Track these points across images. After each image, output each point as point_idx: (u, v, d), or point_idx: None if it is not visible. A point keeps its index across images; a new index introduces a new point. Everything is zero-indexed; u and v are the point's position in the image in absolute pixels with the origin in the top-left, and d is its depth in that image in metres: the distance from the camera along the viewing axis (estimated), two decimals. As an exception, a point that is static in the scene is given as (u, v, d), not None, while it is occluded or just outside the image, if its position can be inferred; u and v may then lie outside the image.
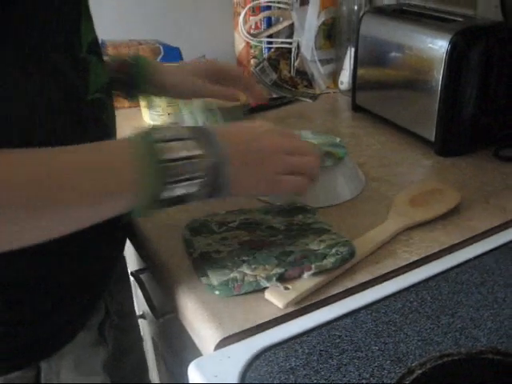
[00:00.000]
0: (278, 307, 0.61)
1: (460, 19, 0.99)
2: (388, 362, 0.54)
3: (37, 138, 0.58)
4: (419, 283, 0.65)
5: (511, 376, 0.51)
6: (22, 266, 0.62)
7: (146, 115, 1.19)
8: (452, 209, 0.79)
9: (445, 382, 0.53)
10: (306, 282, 0.62)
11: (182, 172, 0.55)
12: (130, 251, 0.94)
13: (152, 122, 1.18)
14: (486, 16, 1.04)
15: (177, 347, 0.94)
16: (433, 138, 0.98)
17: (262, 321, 0.60)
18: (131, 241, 0.84)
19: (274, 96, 1.30)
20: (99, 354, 0.76)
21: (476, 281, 0.65)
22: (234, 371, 0.54)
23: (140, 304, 1.12)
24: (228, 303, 0.62)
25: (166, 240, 0.75)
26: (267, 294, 0.62)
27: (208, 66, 0.92)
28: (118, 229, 0.77)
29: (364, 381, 0.52)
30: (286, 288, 0.62)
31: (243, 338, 0.58)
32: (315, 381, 0.52)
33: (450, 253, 0.70)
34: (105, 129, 0.69)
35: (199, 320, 0.62)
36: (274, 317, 0.60)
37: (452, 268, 0.67)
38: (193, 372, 0.55)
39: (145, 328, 1.15)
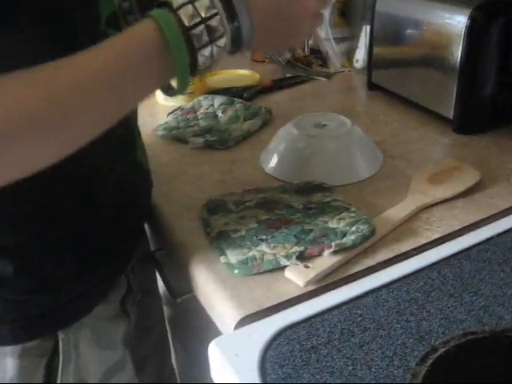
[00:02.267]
0: (298, 285, 0.60)
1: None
2: (411, 340, 0.53)
3: None
4: (441, 261, 0.64)
5: (537, 354, 0.50)
6: (45, 232, 0.63)
7: (159, 96, 1.18)
8: (472, 186, 0.77)
9: (469, 360, 0.52)
10: (327, 259, 0.62)
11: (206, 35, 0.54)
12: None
13: (165, 103, 1.17)
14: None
15: (194, 328, 0.94)
16: (451, 116, 0.96)
17: (282, 299, 0.59)
18: (148, 221, 0.84)
19: (288, 75, 1.29)
20: (119, 328, 0.76)
21: (498, 258, 0.64)
22: (254, 350, 0.53)
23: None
24: (248, 282, 0.62)
25: (184, 220, 0.75)
26: (287, 273, 0.61)
27: None
28: (142, 203, 0.77)
29: (387, 359, 0.51)
30: (306, 266, 0.61)
31: (263, 317, 0.57)
32: (337, 359, 0.52)
33: (471, 230, 0.69)
34: None
35: (219, 299, 0.61)
36: (294, 295, 0.59)
37: (474, 246, 0.66)
38: (213, 351, 0.54)
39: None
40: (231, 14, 0.55)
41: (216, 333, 0.61)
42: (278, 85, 1.23)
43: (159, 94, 1.17)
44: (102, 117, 0.53)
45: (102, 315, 0.72)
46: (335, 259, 0.62)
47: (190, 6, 0.54)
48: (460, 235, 0.69)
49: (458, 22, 0.91)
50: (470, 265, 0.63)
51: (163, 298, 1.06)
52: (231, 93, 1.16)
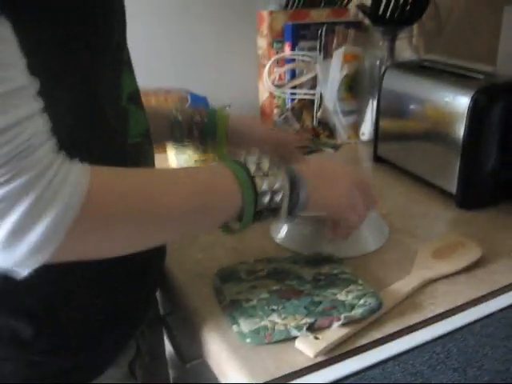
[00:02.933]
0: (307, 356, 0.63)
1: (480, 76, 1.03)
2: (417, 413, 0.55)
3: None
4: (445, 335, 0.66)
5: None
6: (67, 297, 0.65)
7: (173, 161, 1.22)
8: (475, 262, 0.80)
9: None
10: (336, 331, 0.64)
11: (269, 185, 0.66)
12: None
13: (177, 163, 1.21)
14: (506, 73, 1.07)
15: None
16: (454, 191, 1.00)
17: (293, 369, 0.61)
18: (161, 286, 0.86)
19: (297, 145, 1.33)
20: None
21: (501, 334, 0.66)
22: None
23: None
24: (259, 351, 0.64)
25: (197, 287, 0.78)
26: (298, 343, 0.64)
27: (278, 140, 0.99)
28: (156, 270, 0.80)
29: (394, 432, 0.53)
30: (316, 338, 0.63)
31: (274, 388, 0.59)
32: (346, 431, 0.54)
33: (474, 305, 0.72)
34: None
35: (231, 367, 0.64)
36: (303, 366, 0.62)
37: (477, 321, 0.69)
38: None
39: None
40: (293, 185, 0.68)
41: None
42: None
43: (171, 155, 1.21)
44: (173, 232, 0.65)
45: (111, 378, 0.73)
46: (344, 331, 0.64)
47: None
48: (463, 310, 0.71)
49: (461, 102, 0.96)
50: (473, 340, 0.66)
51: (169, 361, 1.07)
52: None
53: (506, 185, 1.00)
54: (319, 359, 0.62)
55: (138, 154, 0.72)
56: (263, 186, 0.65)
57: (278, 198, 0.66)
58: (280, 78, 1.41)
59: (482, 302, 0.73)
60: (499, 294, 0.74)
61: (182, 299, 0.78)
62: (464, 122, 0.96)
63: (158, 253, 0.82)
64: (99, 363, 0.71)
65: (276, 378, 0.60)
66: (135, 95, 0.73)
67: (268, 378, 0.60)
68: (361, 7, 1.27)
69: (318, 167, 0.77)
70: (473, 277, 0.78)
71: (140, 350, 0.80)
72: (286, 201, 0.67)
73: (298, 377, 0.61)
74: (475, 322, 0.69)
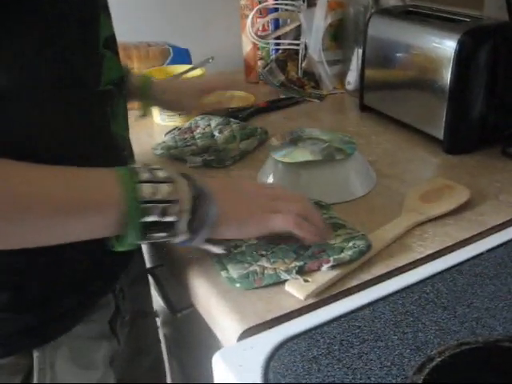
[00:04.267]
0: (298, 299, 0.63)
1: (467, 19, 1.01)
2: (408, 350, 0.55)
3: (42, 124, 0.60)
4: (434, 275, 0.66)
5: (528, 362, 0.53)
6: (31, 252, 0.61)
7: (157, 116, 1.20)
8: (462, 204, 0.80)
9: (463, 369, 0.54)
10: (325, 274, 0.64)
11: (161, 193, 0.58)
12: (144, 248, 0.95)
13: (162, 123, 1.20)
14: (492, 16, 1.06)
15: (192, 344, 0.95)
16: (441, 137, 0.99)
17: (283, 312, 0.61)
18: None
19: (283, 96, 1.32)
20: (103, 348, 0.76)
21: (489, 273, 0.66)
22: (257, 361, 0.55)
23: (153, 302, 1.14)
24: (249, 296, 0.64)
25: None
26: (288, 287, 0.64)
27: (203, 86, 1.00)
28: None
29: (385, 369, 0.53)
30: (306, 280, 0.63)
31: (265, 329, 0.59)
32: (337, 369, 0.54)
33: (463, 246, 0.72)
34: (110, 120, 0.70)
35: (221, 313, 0.63)
36: (294, 308, 0.62)
37: (466, 261, 0.69)
38: (217, 362, 0.56)
39: (158, 326, 1.16)
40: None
41: (214, 350, 0.63)
42: (273, 106, 1.26)
43: (157, 114, 1.20)
44: (47, 232, 0.57)
45: (83, 335, 0.72)
46: (334, 273, 0.64)
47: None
48: (452, 251, 0.71)
49: (447, 46, 0.95)
50: (462, 279, 0.66)
51: (161, 315, 1.07)
52: (227, 113, 1.19)
53: (493, 129, 1.00)
54: (309, 302, 0.62)
55: (107, 103, 0.69)
56: (152, 192, 0.57)
57: (173, 210, 0.58)
58: (263, 28, 1.38)
59: (470, 243, 0.73)
60: (487, 235, 0.75)
61: (170, 249, 0.77)
62: (451, 66, 0.94)
63: None
64: (68, 320, 0.69)
65: (266, 321, 0.60)
66: (111, 40, 0.71)
67: (258, 322, 0.60)
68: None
69: (230, 183, 0.73)
70: (461, 219, 0.78)
71: (119, 308, 0.79)
72: (186, 216, 0.59)
73: (289, 319, 0.61)
74: (464, 262, 0.69)
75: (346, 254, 0.66)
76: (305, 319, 0.60)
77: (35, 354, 0.67)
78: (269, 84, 1.36)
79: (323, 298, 0.63)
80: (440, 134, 1.00)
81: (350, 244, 0.68)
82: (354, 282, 0.65)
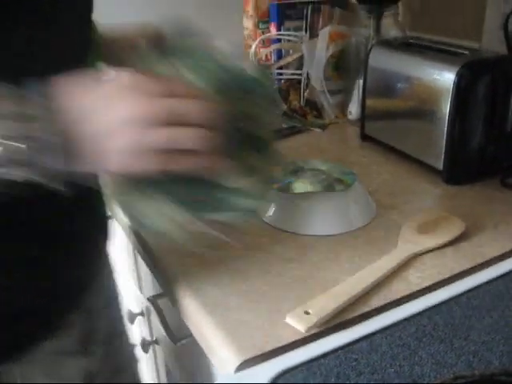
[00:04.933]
0: (295, 331, 0.63)
1: (466, 52, 1.03)
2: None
3: None
4: (432, 308, 0.67)
5: (524, 397, 0.53)
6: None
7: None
8: (461, 235, 0.81)
9: (459, 403, 0.54)
10: (326, 306, 0.65)
11: None
12: (147, 278, 0.96)
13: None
14: (491, 49, 1.07)
15: (192, 372, 0.95)
16: (441, 167, 1.00)
17: (281, 344, 0.62)
18: (149, 267, 0.87)
19: (284, 126, 1.33)
20: (75, 365, 0.77)
21: (487, 305, 0.67)
22: (255, 392, 0.56)
23: (154, 330, 1.14)
24: (247, 326, 0.64)
25: (186, 267, 0.78)
26: (288, 319, 0.64)
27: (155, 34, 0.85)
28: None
29: (381, 402, 0.54)
30: (307, 313, 0.64)
31: (263, 361, 0.60)
32: (334, 402, 0.54)
33: (461, 278, 0.72)
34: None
35: (219, 343, 0.64)
36: (292, 340, 0.62)
37: (463, 293, 0.69)
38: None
39: (158, 354, 1.17)
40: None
41: (214, 378, 0.63)
42: (276, 135, 1.27)
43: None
44: None
45: (55, 351, 0.73)
46: (335, 305, 0.65)
47: None
48: (450, 283, 0.72)
49: (446, 78, 0.96)
50: (459, 311, 0.66)
51: (160, 343, 1.08)
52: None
53: (492, 160, 1.01)
54: (306, 334, 0.63)
55: None
56: None
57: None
58: (266, 58, 1.41)
59: (468, 275, 0.73)
60: (485, 267, 0.75)
61: (169, 279, 0.77)
62: (450, 97, 0.96)
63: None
64: (25, 341, 0.69)
65: (264, 353, 0.61)
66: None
67: (257, 353, 0.61)
68: (345, -15, 1.27)
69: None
70: (458, 250, 0.78)
71: (92, 327, 0.80)
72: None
73: (287, 351, 0.61)
74: (461, 294, 0.69)
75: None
76: (302, 351, 0.61)
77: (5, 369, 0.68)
78: (271, 113, 1.37)
79: (321, 329, 0.63)
80: (439, 164, 1.01)
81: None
82: (352, 315, 0.66)
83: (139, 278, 1.15)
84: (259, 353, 0.61)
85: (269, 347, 0.61)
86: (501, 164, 1.01)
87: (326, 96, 1.33)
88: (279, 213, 0.88)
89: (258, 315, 0.67)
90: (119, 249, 1.25)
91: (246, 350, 0.61)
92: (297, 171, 0.91)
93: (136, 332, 1.30)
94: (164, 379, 1.18)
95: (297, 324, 0.63)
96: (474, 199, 0.94)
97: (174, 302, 0.76)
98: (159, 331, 1.10)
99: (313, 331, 0.63)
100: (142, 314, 1.20)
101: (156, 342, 1.14)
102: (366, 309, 0.67)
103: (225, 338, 0.63)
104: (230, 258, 0.79)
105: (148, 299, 0.91)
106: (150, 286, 1.05)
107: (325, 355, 0.60)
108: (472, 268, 0.74)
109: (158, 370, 1.23)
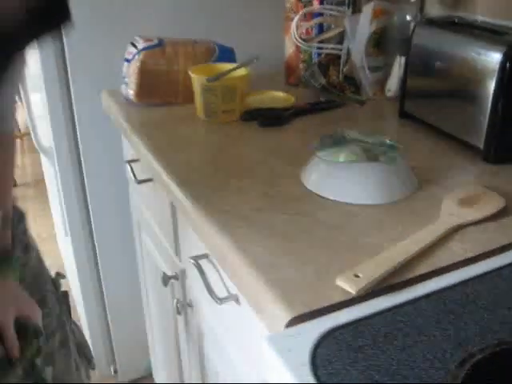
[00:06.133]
0: (344, 292, 0.65)
1: (510, 32, 1.03)
2: (450, 346, 0.58)
3: None
4: (475, 278, 0.69)
5: None
6: None
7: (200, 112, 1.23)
8: (501, 211, 0.82)
9: (502, 367, 0.57)
10: (375, 270, 0.67)
11: None
12: (187, 239, 0.99)
13: (207, 119, 1.23)
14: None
15: (236, 334, 0.98)
16: (482, 146, 1.01)
17: (330, 303, 0.64)
18: (194, 227, 0.89)
19: (322, 99, 1.34)
20: None
21: (529, 278, 0.69)
22: (305, 347, 0.58)
23: (189, 292, 1.17)
24: (297, 286, 0.67)
25: (231, 227, 0.80)
26: (339, 281, 0.66)
27: None
28: None
29: (428, 361, 0.56)
30: (356, 276, 0.66)
31: (312, 319, 0.62)
32: (382, 359, 0.56)
33: (503, 251, 0.74)
34: None
35: (269, 301, 0.66)
36: (340, 300, 0.64)
37: (506, 266, 0.71)
38: (267, 345, 0.59)
39: (192, 317, 1.19)
40: None
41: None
42: (314, 107, 1.29)
43: (201, 112, 1.23)
44: None
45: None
46: (383, 270, 0.67)
47: None
48: (492, 255, 0.74)
49: (492, 58, 0.97)
50: (502, 283, 0.68)
51: (194, 305, 1.11)
52: (270, 112, 1.22)
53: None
54: (354, 295, 0.65)
55: None
56: None
57: None
58: (307, 32, 1.41)
59: (511, 249, 0.75)
60: (527, 242, 0.77)
61: (218, 238, 0.80)
62: (495, 77, 0.96)
63: None
64: None
65: (313, 311, 0.63)
66: None
67: (306, 311, 0.63)
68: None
69: None
70: (500, 225, 0.80)
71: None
72: None
73: (335, 311, 0.63)
74: (504, 266, 0.71)
75: None
76: (350, 311, 0.63)
77: None
78: (310, 86, 1.39)
79: (368, 292, 0.65)
80: (480, 143, 1.02)
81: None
82: (398, 280, 0.68)
83: (176, 241, 1.17)
84: (308, 310, 0.63)
85: (318, 306, 0.63)
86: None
87: (366, 72, 1.34)
88: (323, 180, 0.89)
89: (307, 275, 0.69)
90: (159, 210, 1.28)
91: (296, 308, 0.63)
92: (340, 141, 0.93)
93: (168, 294, 1.34)
94: (196, 341, 1.21)
95: (347, 286, 0.65)
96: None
97: (222, 262, 0.79)
98: (194, 293, 1.13)
99: (361, 293, 0.65)
100: (175, 277, 1.23)
101: (190, 304, 1.17)
102: (410, 275, 0.69)
103: (274, 296, 0.66)
104: (276, 221, 0.81)
105: (191, 258, 0.94)
106: (188, 248, 1.08)
107: (372, 316, 0.62)
108: (514, 242, 0.76)
109: (190, 333, 1.26)
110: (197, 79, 1.21)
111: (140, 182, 1.27)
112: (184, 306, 1.19)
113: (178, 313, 1.18)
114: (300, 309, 0.63)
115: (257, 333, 0.78)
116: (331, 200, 0.87)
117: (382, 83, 1.37)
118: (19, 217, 0.99)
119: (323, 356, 0.57)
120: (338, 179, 0.88)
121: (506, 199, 0.85)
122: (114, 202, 1.74)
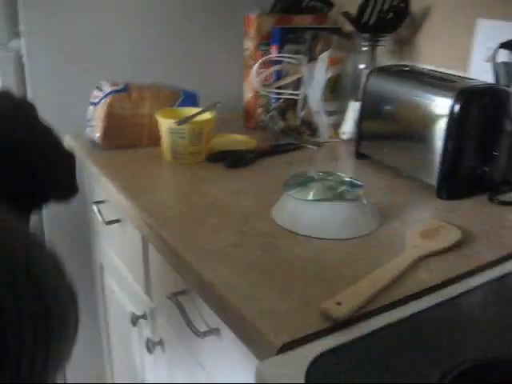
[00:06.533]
0: (326, 320, 0.70)
1: (457, 80, 1.13)
2: (427, 365, 0.64)
3: None
4: (444, 302, 0.76)
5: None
6: None
7: (168, 154, 1.28)
8: (458, 242, 0.90)
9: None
10: (356, 297, 0.72)
11: None
12: (171, 276, 1.01)
13: (174, 161, 1.28)
14: (479, 78, 1.18)
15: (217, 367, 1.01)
16: (435, 183, 1.10)
17: (315, 330, 0.69)
18: (172, 265, 0.93)
19: (282, 142, 1.41)
20: None
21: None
22: (299, 371, 0.62)
23: (159, 330, 1.19)
24: (285, 316, 0.72)
25: (212, 263, 0.84)
26: (323, 309, 0.71)
27: None
28: None
29: (410, 379, 0.62)
30: (338, 303, 0.71)
31: (301, 345, 0.67)
32: (372, 379, 0.62)
33: (464, 278, 0.82)
34: None
35: (258, 331, 0.70)
36: (326, 327, 0.69)
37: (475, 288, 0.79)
38: (260, 372, 0.64)
39: (162, 354, 1.21)
40: None
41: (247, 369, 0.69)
42: (275, 150, 1.35)
43: (168, 154, 1.28)
44: None
45: None
46: (362, 297, 0.73)
47: None
48: (455, 282, 0.81)
49: (443, 103, 1.06)
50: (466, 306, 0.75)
51: (170, 342, 1.13)
52: (234, 154, 1.28)
53: (480, 179, 1.11)
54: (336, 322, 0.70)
55: None
56: None
57: None
58: (266, 78, 1.49)
59: (470, 276, 0.83)
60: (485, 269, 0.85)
61: (199, 275, 0.84)
62: (446, 120, 1.06)
63: None
64: None
65: (300, 337, 0.68)
66: None
67: (294, 337, 0.67)
68: (346, 15, 1.36)
69: None
70: (460, 255, 0.87)
71: None
72: None
73: (321, 337, 0.68)
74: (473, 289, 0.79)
75: None
76: (336, 336, 0.69)
77: None
78: (269, 130, 1.45)
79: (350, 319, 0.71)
80: (433, 181, 1.10)
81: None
82: (375, 306, 0.74)
83: (147, 280, 1.20)
84: (297, 337, 0.67)
85: (304, 333, 0.68)
86: (488, 183, 1.11)
87: (322, 116, 1.43)
88: (294, 217, 0.95)
89: (291, 305, 0.74)
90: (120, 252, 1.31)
91: (284, 336, 0.68)
92: (307, 180, 0.99)
93: (135, 334, 1.35)
94: (165, 379, 1.23)
95: (331, 313, 0.70)
96: (465, 213, 1.04)
97: (207, 296, 0.83)
98: (167, 331, 1.16)
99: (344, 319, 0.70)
100: (143, 316, 1.25)
101: (160, 342, 1.19)
102: (385, 302, 0.75)
103: (262, 326, 0.70)
104: (254, 256, 0.86)
105: (170, 296, 0.97)
106: (160, 287, 1.11)
107: (356, 340, 0.68)
108: (471, 271, 0.83)
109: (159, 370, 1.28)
110: (164, 122, 1.26)
111: (108, 222, 1.29)
112: (154, 345, 1.21)
113: (149, 351, 1.20)
114: (288, 336, 0.68)
115: (240, 363, 0.82)
116: (303, 236, 0.92)
117: (337, 126, 1.45)
118: None
119: (317, 379, 0.62)
120: (309, 217, 0.94)
121: (464, 231, 0.93)
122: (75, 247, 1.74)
